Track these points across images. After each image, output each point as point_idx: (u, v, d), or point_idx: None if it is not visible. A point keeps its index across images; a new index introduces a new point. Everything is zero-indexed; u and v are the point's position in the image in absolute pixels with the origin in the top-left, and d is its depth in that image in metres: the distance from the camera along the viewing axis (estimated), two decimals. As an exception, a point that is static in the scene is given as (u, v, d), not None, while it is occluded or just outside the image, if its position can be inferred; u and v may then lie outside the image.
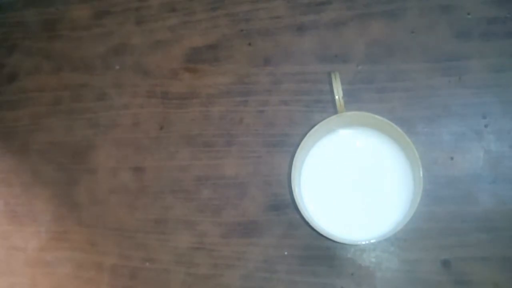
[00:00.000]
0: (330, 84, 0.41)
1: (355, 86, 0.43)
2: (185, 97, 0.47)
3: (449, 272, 0.40)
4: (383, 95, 0.43)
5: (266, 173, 0.44)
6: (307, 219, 0.39)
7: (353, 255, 0.42)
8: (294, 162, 0.39)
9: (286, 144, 0.44)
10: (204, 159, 0.46)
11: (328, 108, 0.44)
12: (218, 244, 0.44)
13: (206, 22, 0.47)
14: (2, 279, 0.49)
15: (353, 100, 0.43)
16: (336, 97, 0.40)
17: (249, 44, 0.46)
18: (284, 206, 0.44)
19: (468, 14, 0.43)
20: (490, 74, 0.42)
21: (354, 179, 0.41)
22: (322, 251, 0.42)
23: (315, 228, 0.38)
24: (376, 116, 0.39)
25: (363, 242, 0.38)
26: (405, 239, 0.41)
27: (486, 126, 0.41)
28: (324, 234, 0.38)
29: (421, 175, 0.37)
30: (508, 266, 0.40)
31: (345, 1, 0.45)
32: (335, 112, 0.40)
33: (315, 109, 0.44)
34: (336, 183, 0.41)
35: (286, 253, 0.43)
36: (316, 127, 0.39)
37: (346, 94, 0.40)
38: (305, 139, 0.39)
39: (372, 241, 0.38)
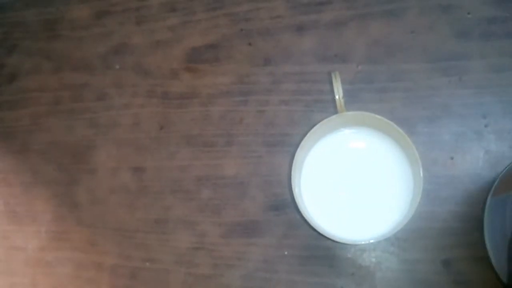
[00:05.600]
0: (330, 84, 0.41)
1: (355, 86, 0.43)
2: (185, 97, 0.47)
3: (449, 272, 0.40)
4: (383, 95, 0.43)
5: (266, 173, 0.44)
6: (307, 219, 0.39)
7: (353, 255, 0.42)
8: (294, 162, 0.39)
9: (286, 144, 0.44)
10: (204, 159, 0.46)
11: (328, 108, 0.44)
12: (218, 244, 0.44)
13: (206, 22, 0.47)
14: (2, 279, 0.49)
15: (353, 100, 0.43)
16: (336, 97, 0.40)
17: (249, 44, 0.46)
18: (284, 206, 0.44)
19: (468, 14, 0.43)
20: (490, 74, 0.42)
21: (354, 179, 0.41)
22: (322, 251, 0.42)
23: (315, 228, 0.38)
24: (377, 116, 0.39)
25: (363, 242, 0.38)
26: (405, 239, 0.41)
27: (486, 126, 0.41)
28: (324, 234, 0.38)
29: (421, 175, 0.37)
30: (508, 266, 0.40)
31: (345, 1, 0.45)
32: (335, 112, 0.40)
33: (315, 109, 0.44)
34: (336, 183, 0.41)
35: (286, 253, 0.43)
36: (316, 127, 0.39)
37: (346, 94, 0.40)
38: (305, 139, 0.39)
39: (372, 241, 0.38)
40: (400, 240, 0.41)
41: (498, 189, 0.38)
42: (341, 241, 0.38)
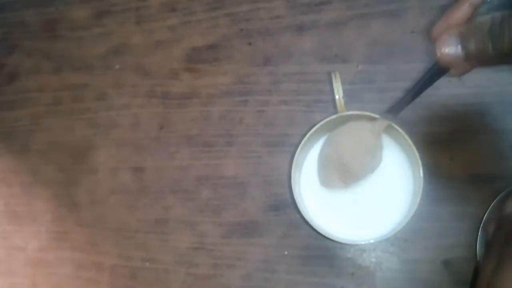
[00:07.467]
0: (330, 84, 0.41)
1: (355, 86, 0.43)
2: (185, 97, 0.47)
3: (449, 272, 0.40)
4: (383, 95, 0.43)
5: (266, 173, 0.44)
6: (307, 219, 0.39)
7: (353, 255, 0.42)
8: (294, 162, 0.39)
9: (286, 144, 0.44)
10: (204, 159, 0.46)
11: (328, 108, 0.44)
12: (218, 244, 0.44)
13: (206, 22, 0.47)
14: (2, 279, 0.49)
15: (353, 100, 0.43)
16: (336, 97, 0.40)
17: (249, 44, 0.46)
18: (284, 206, 0.44)
19: (468, 14, 0.42)
20: (490, 74, 0.42)
21: (354, 179, 0.41)
22: (322, 251, 0.42)
23: (315, 228, 0.38)
24: (377, 116, 0.39)
25: (363, 242, 0.38)
26: (405, 239, 0.41)
27: (486, 126, 0.41)
28: (324, 234, 0.38)
29: (421, 175, 0.37)
30: (508, 266, 0.40)
31: (345, 1, 0.45)
32: (335, 112, 0.40)
33: (315, 109, 0.44)
34: (336, 183, 0.41)
35: (286, 253, 0.43)
36: (316, 127, 0.39)
37: (346, 94, 0.40)
38: (305, 139, 0.39)
39: (372, 241, 0.38)
40: (400, 240, 0.41)
41: (487, 223, 0.39)
42: (341, 241, 0.38)
